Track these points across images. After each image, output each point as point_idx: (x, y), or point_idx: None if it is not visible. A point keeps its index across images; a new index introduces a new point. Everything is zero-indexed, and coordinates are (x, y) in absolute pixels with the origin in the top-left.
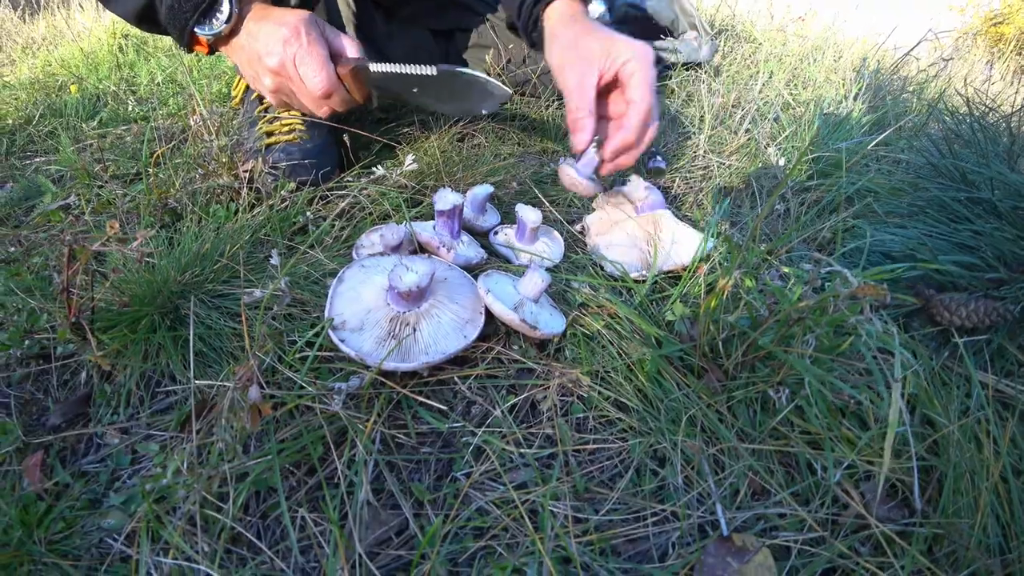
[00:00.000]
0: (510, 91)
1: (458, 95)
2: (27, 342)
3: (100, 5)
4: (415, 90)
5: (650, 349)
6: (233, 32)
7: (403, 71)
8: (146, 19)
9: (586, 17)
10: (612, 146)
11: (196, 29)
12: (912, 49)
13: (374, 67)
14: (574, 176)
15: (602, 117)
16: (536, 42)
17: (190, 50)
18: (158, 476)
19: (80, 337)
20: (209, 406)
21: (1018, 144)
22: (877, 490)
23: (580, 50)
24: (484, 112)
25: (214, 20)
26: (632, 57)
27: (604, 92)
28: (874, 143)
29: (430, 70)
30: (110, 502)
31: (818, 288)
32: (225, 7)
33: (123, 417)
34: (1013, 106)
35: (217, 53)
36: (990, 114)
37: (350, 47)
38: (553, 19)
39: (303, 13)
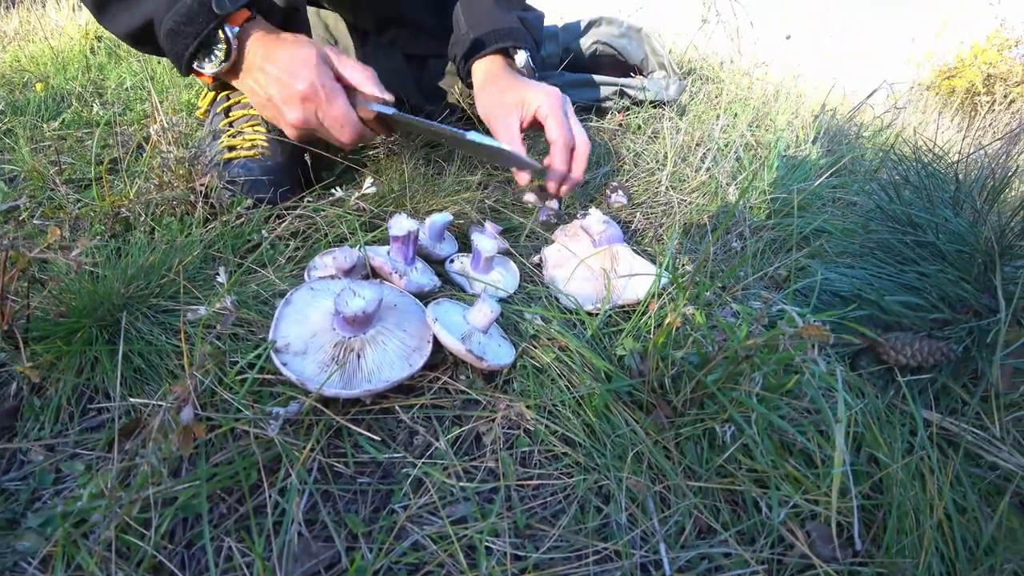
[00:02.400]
0: (539, 165)
1: (490, 158)
2: None
3: (94, 18)
4: (443, 140)
5: (599, 384)
6: (235, 67)
7: (428, 126)
8: (144, 40)
9: (508, 71)
10: (551, 181)
11: (195, 65)
12: (868, 97)
13: (400, 117)
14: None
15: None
16: (471, 87)
17: (190, 74)
18: (76, 498)
19: (12, 346)
20: (140, 426)
21: (963, 190)
22: (819, 530)
23: (501, 103)
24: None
25: (211, 58)
26: (542, 102)
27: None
28: (816, 185)
29: (457, 133)
30: (28, 523)
31: (767, 326)
32: (221, 46)
33: (50, 433)
34: (960, 153)
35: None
36: (939, 161)
37: (365, 79)
38: (480, 75)
39: (311, 55)
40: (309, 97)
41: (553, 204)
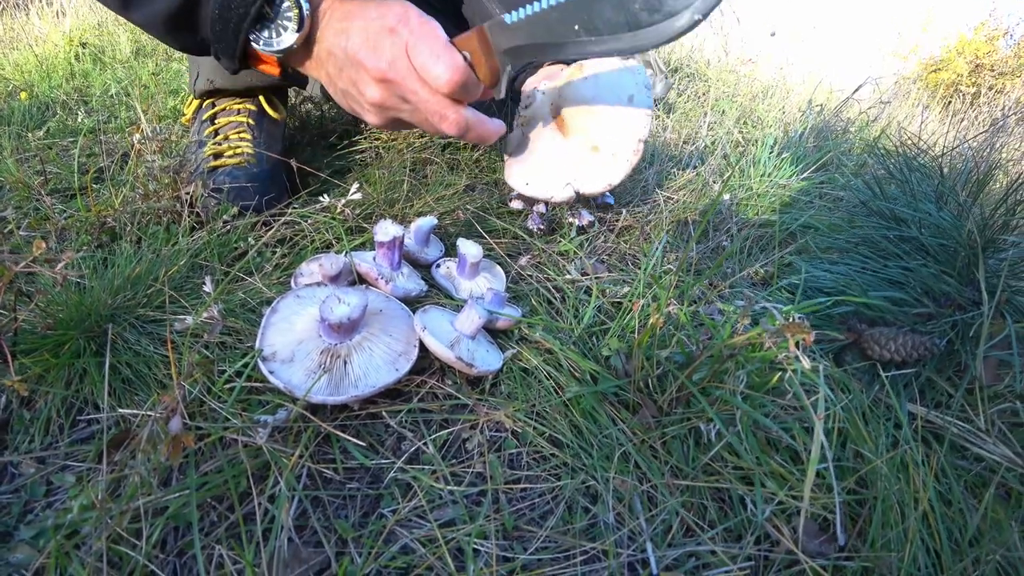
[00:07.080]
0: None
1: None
2: None
3: (117, 12)
4: (566, 28)
5: (585, 385)
6: (310, 40)
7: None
8: (180, 26)
9: None
10: None
11: (252, 41)
12: (854, 92)
13: (510, 17)
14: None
15: None
16: None
17: (245, 66)
18: (67, 510)
19: (0, 360)
20: (130, 437)
21: (946, 184)
22: (805, 526)
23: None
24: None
25: (278, 26)
26: None
27: None
28: (802, 181)
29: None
30: (20, 536)
31: (751, 323)
32: (291, 13)
33: (40, 446)
34: (944, 147)
35: (291, 72)
36: (923, 155)
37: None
38: None
39: (406, 5)
40: (396, 29)
41: (540, 208)
